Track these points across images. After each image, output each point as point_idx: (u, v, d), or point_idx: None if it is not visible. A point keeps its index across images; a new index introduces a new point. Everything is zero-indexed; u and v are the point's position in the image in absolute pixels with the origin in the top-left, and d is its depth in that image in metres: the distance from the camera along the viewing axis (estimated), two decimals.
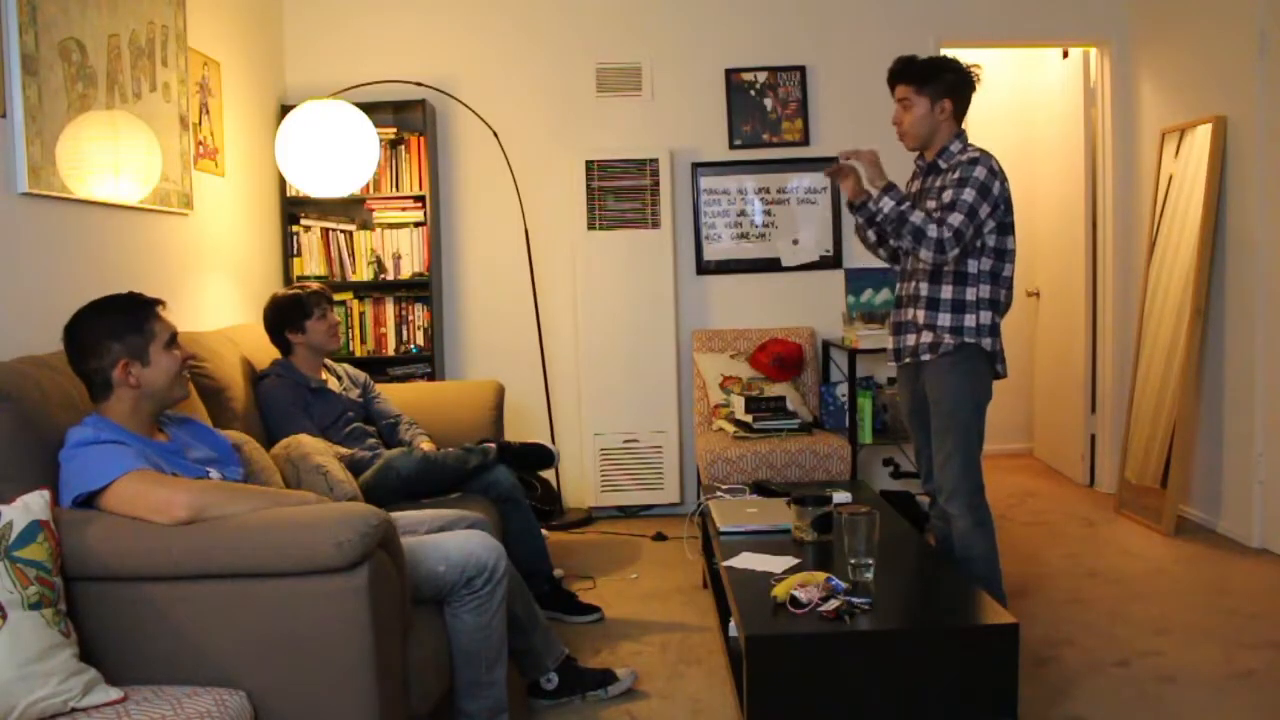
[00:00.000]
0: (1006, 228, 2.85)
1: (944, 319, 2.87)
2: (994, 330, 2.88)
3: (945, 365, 2.88)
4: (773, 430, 4.13)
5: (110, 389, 2.11)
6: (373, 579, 1.94)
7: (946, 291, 2.86)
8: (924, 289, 2.91)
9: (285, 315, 3.37)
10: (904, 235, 2.80)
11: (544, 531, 3.46)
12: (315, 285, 3.50)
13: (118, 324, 2.12)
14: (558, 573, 3.48)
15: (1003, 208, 2.83)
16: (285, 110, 4.27)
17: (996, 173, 2.82)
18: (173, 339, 2.19)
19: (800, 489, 3.32)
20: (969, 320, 2.85)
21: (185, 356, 2.22)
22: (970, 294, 2.85)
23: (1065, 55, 5.17)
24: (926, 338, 2.89)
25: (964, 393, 2.88)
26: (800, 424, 4.18)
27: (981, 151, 2.87)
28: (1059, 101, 5.24)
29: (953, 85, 2.93)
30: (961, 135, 2.95)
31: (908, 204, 2.80)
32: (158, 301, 2.21)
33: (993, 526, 2.94)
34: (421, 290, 4.60)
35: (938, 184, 2.91)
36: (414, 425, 3.58)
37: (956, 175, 2.82)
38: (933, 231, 2.75)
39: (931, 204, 2.88)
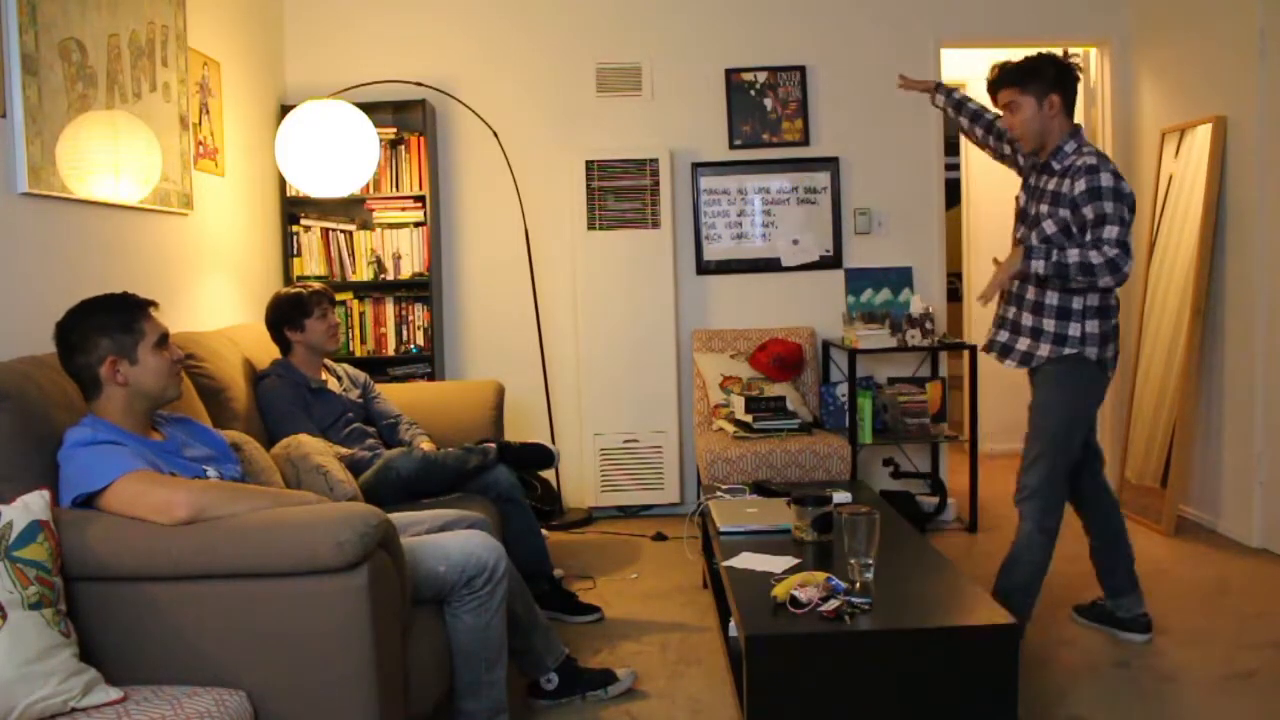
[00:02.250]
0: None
1: (1049, 324, 2.82)
2: (1102, 338, 2.82)
3: (1048, 375, 2.86)
4: (773, 430, 4.13)
5: (99, 387, 2.11)
6: (373, 579, 1.94)
7: (1052, 298, 2.81)
8: (1029, 290, 2.85)
9: (285, 313, 3.37)
10: (1073, 280, 2.72)
11: (544, 531, 3.46)
12: (318, 285, 3.50)
13: (107, 322, 2.12)
14: (558, 573, 3.48)
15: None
16: (285, 110, 4.27)
17: (1120, 175, 2.75)
18: (163, 340, 2.19)
19: (800, 489, 3.31)
20: (1073, 329, 2.79)
21: (176, 358, 2.22)
22: (1076, 302, 2.79)
23: (1065, 55, 5.16)
24: (1033, 347, 2.85)
25: (1059, 405, 2.83)
26: (800, 424, 4.18)
27: (1098, 155, 2.79)
28: None
29: (1056, 79, 2.85)
30: (1076, 134, 2.86)
31: (1054, 250, 2.72)
32: (150, 302, 2.21)
33: (1053, 542, 2.91)
34: (421, 290, 4.60)
35: (1050, 186, 2.84)
36: (414, 425, 3.58)
37: (1083, 186, 2.72)
38: (1096, 258, 2.66)
39: (1044, 207, 2.83)
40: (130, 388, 2.13)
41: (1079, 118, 4.92)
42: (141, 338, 2.15)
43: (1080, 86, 4.98)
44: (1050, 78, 2.85)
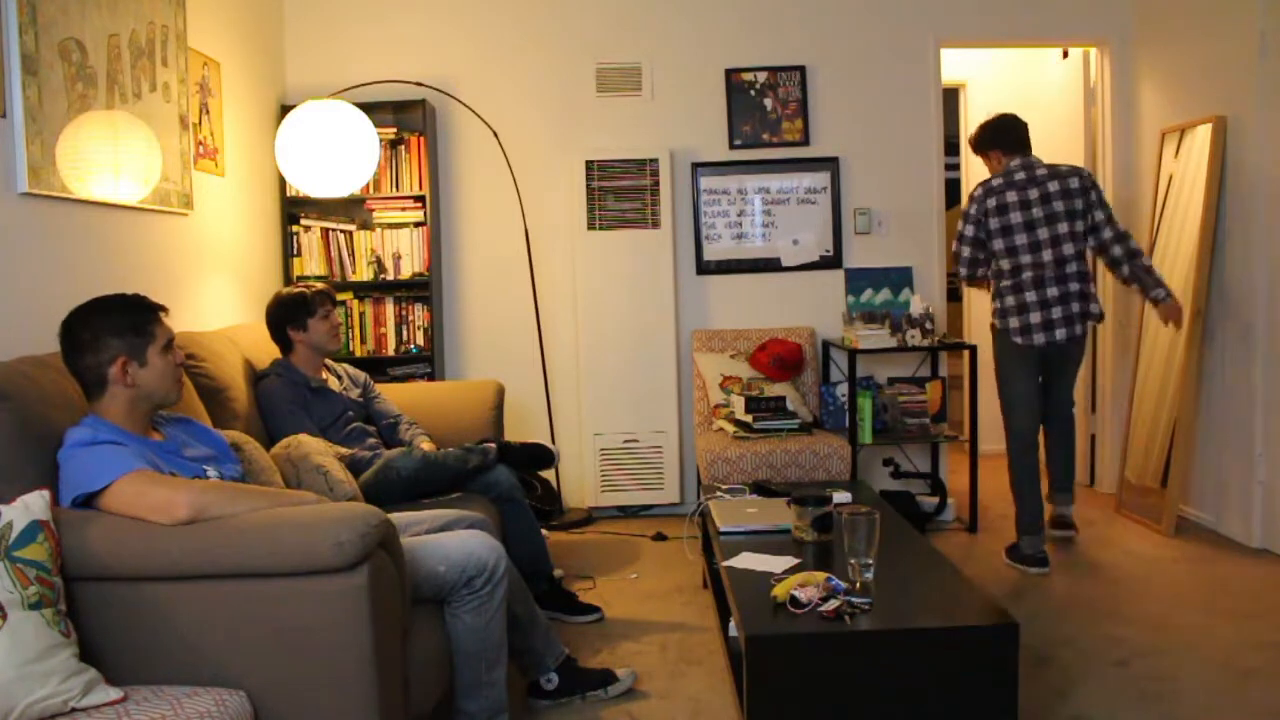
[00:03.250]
0: (994, 236, 3.83)
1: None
2: (1003, 313, 3.85)
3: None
4: (773, 430, 4.13)
5: (105, 387, 2.11)
6: (373, 579, 1.94)
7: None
8: None
9: (289, 311, 3.37)
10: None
11: (544, 531, 3.46)
12: (320, 285, 3.50)
13: (120, 322, 2.13)
14: (558, 573, 3.48)
15: (980, 225, 3.82)
16: (285, 110, 4.27)
17: (971, 199, 3.86)
18: (169, 343, 2.20)
19: (800, 489, 3.32)
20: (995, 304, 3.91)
21: (178, 361, 2.23)
22: (994, 289, 3.94)
23: (1065, 55, 5.17)
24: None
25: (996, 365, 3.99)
26: (800, 424, 4.18)
27: (978, 185, 3.88)
28: (1059, 101, 5.24)
29: (988, 139, 3.89)
30: (1003, 173, 3.83)
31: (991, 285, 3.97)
32: (161, 307, 2.23)
33: (1011, 458, 3.92)
34: (421, 290, 4.60)
35: None
36: (414, 425, 3.58)
37: None
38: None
39: None
40: (136, 390, 2.13)
41: (1079, 119, 4.96)
42: (152, 340, 2.16)
43: (1080, 86, 5.05)
44: (986, 139, 3.90)
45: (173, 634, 1.93)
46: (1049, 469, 4.10)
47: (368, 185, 4.46)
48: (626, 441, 4.67)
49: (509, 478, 3.29)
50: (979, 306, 5.98)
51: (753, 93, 4.76)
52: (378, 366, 4.51)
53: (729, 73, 4.75)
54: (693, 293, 4.80)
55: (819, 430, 4.27)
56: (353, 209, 4.59)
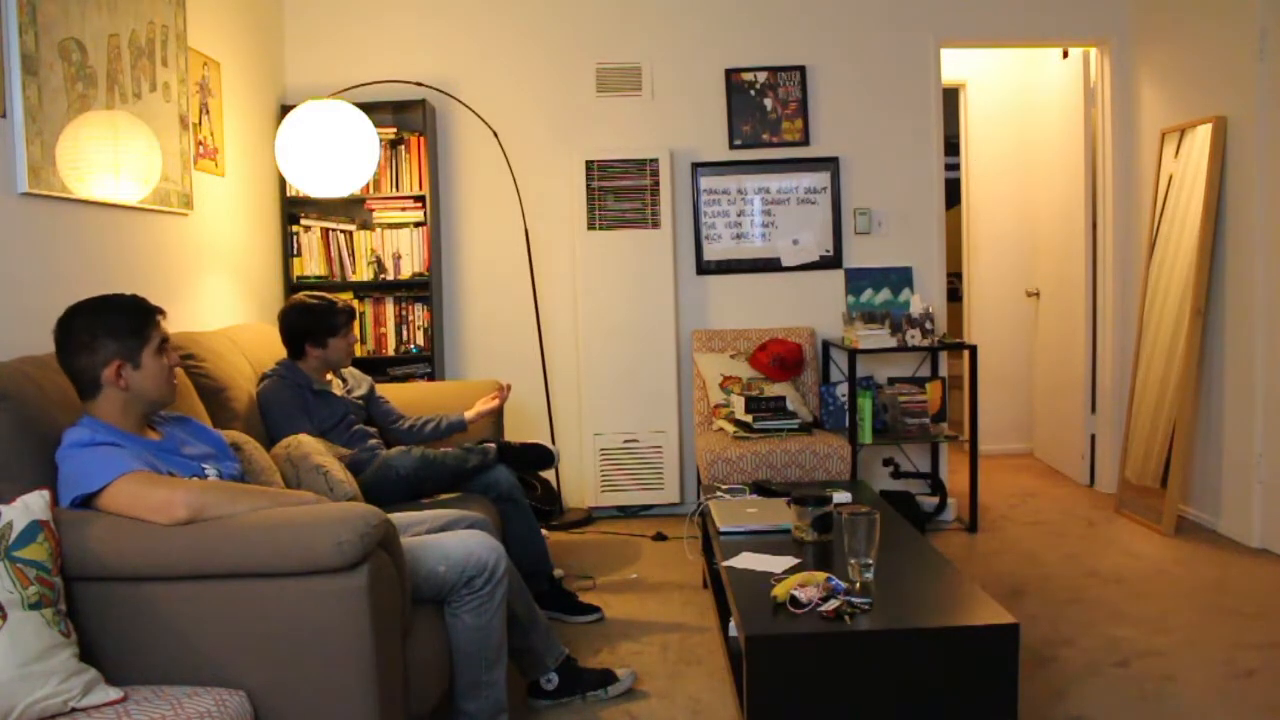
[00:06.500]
0: None
1: None
2: None
3: None
4: (773, 430, 4.13)
5: (98, 389, 2.10)
6: (373, 579, 1.94)
7: None
8: None
9: (313, 326, 3.26)
10: None
11: (544, 531, 3.46)
12: (343, 302, 3.37)
13: (117, 324, 2.11)
14: (558, 573, 3.48)
15: None
16: (285, 110, 4.27)
17: None
18: (164, 345, 2.18)
19: (800, 489, 3.31)
20: None
21: (173, 362, 2.21)
22: None
23: (1065, 55, 5.17)
24: None
25: None
26: (800, 424, 4.18)
27: None
28: (1059, 101, 5.24)
29: None
30: None
31: None
32: (160, 310, 2.21)
33: None
34: (421, 290, 4.60)
35: None
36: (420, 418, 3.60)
37: None
38: None
39: None
40: (130, 392, 2.12)
41: (1079, 119, 4.96)
42: (147, 343, 2.14)
43: (1080, 86, 5.08)
44: None
45: (173, 634, 1.93)
46: None
47: (368, 185, 4.46)
48: (626, 441, 4.67)
49: (509, 478, 3.29)
50: (979, 306, 5.99)
51: (753, 93, 4.76)
52: (378, 366, 4.51)
53: (729, 73, 4.74)
54: (693, 293, 4.80)
55: (819, 430, 4.27)
56: (353, 209, 4.59)
